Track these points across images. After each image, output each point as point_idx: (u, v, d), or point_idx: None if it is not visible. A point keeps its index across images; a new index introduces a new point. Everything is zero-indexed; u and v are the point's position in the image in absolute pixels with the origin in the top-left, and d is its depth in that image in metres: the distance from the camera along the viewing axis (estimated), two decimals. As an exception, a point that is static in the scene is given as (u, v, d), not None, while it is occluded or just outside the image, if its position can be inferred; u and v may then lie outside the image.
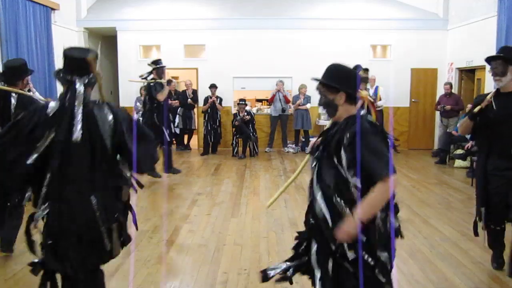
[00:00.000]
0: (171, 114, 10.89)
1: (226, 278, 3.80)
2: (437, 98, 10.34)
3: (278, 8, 11.50)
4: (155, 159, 2.60)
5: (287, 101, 10.78)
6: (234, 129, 10.53)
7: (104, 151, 2.34)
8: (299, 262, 2.44)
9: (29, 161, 2.21)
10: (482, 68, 9.35)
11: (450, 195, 6.74)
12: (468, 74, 10.43)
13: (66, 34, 10.39)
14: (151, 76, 7.60)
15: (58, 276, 2.49)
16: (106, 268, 3.93)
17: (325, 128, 2.47)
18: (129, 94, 11.05)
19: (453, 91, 10.44)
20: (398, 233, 2.38)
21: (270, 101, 11.12)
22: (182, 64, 11.45)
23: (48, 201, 2.30)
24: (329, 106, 2.35)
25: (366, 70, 6.64)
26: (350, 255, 2.15)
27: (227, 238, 4.82)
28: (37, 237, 2.37)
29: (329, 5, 11.57)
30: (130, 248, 4.40)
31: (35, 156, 2.22)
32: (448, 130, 9.74)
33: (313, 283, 2.28)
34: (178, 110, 11.11)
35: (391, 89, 10.63)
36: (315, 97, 10.82)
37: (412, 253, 4.37)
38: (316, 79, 2.37)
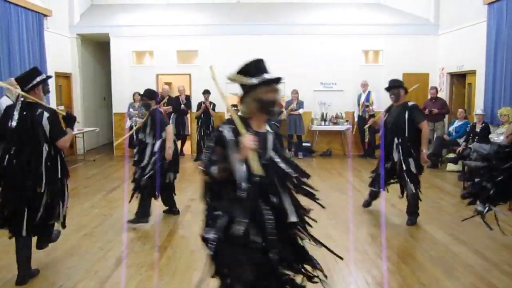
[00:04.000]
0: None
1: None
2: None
3: (271, 14, 11.57)
4: None
5: (280, 106, 10.81)
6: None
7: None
8: None
9: None
10: (473, 72, 9.45)
11: (441, 198, 6.79)
12: (459, 78, 10.53)
13: (59, 40, 10.39)
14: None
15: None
16: (100, 274, 3.95)
17: None
18: (122, 100, 11.05)
19: (444, 95, 10.55)
20: None
21: (263, 106, 11.13)
22: (175, 70, 11.47)
23: None
24: None
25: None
26: None
27: (220, 243, 4.81)
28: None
29: (321, 10, 11.67)
30: (123, 254, 4.40)
31: None
32: (436, 134, 9.83)
33: None
34: (171, 116, 11.12)
35: (383, 94, 10.69)
36: (308, 102, 10.95)
37: (404, 256, 4.40)
38: None
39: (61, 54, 10.57)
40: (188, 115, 11.31)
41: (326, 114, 11.21)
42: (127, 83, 11.04)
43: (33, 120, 3.65)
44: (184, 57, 11.61)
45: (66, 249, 4.55)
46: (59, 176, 3.83)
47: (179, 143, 11.39)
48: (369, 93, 10.69)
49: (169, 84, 13.43)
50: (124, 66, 11.25)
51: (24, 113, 3.68)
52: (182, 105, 11.02)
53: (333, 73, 11.21)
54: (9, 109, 3.77)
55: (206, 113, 10.54)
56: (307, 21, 11.32)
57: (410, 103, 5.53)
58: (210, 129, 10.65)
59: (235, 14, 11.61)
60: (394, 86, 5.64)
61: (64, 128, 3.88)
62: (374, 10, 11.77)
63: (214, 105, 10.68)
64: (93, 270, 4.05)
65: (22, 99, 3.76)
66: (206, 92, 10.53)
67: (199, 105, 10.63)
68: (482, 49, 8.72)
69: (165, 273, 4.04)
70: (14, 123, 3.65)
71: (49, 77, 4.02)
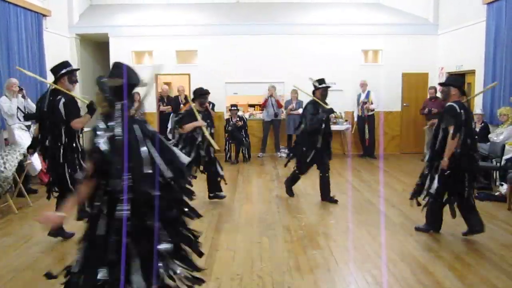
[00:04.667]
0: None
1: (219, 283, 3.80)
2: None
3: (270, 14, 11.57)
4: None
5: (279, 106, 10.82)
6: (226, 134, 10.55)
7: None
8: None
9: None
10: (472, 72, 9.45)
11: (441, 198, 6.78)
12: (458, 78, 10.52)
13: (58, 41, 10.37)
14: None
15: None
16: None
17: None
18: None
19: (439, 95, 10.57)
20: None
21: (262, 106, 11.15)
22: (174, 69, 11.46)
23: None
24: None
25: None
26: None
27: (219, 243, 4.81)
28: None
29: (321, 10, 11.66)
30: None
31: None
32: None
33: None
34: (171, 116, 11.12)
35: (382, 94, 10.72)
36: (307, 102, 10.91)
37: (404, 256, 4.40)
38: None
39: (60, 54, 10.51)
40: (188, 115, 11.29)
41: (326, 114, 11.19)
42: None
43: (53, 105, 4.50)
44: (184, 57, 11.60)
45: (65, 250, 4.54)
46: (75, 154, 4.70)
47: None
48: (368, 92, 10.70)
49: (168, 84, 13.41)
50: (123, 66, 11.21)
51: (51, 98, 4.54)
52: (182, 105, 11.02)
53: (332, 73, 11.18)
54: (43, 95, 4.71)
55: (205, 113, 10.53)
56: (306, 21, 11.31)
57: (448, 104, 4.78)
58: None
59: (234, 14, 11.61)
60: (444, 83, 5.01)
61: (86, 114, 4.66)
62: (374, 10, 11.77)
63: (213, 105, 10.69)
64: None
65: (52, 87, 4.60)
66: (206, 92, 10.51)
67: (199, 105, 10.62)
68: (481, 48, 8.72)
69: (165, 273, 4.04)
70: (45, 107, 4.57)
71: (75, 69, 4.79)
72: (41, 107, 4.63)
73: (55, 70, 4.62)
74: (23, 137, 6.97)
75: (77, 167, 4.66)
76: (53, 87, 4.59)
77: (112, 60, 11.24)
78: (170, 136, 11.21)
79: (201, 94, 6.56)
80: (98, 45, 12.43)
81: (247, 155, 10.42)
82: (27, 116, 7.08)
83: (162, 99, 11.42)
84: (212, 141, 6.20)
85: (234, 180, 8.29)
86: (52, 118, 4.53)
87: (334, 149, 11.35)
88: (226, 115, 11.08)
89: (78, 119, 4.57)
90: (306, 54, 11.16)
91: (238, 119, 10.38)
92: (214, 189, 6.61)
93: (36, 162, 6.97)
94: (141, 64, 11.72)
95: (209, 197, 6.61)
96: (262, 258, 4.36)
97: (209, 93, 7.01)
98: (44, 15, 9.37)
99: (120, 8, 11.80)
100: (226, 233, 5.18)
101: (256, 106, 12.77)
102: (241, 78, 11.24)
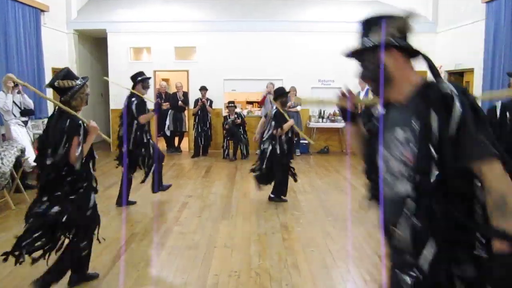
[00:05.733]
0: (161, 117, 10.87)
1: (217, 280, 3.80)
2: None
3: (269, 11, 11.54)
4: None
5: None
6: (225, 131, 10.53)
7: None
8: None
9: None
10: (471, 70, 9.45)
11: (439, 196, 6.78)
12: (457, 76, 10.53)
13: (56, 36, 10.33)
14: None
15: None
16: (97, 271, 3.93)
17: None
18: (120, 96, 10.98)
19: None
20: None
21: (260, 103, 11.13)
22: (173, 66, 11.43)
23: None
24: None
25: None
26: None
27: (217, 240, 4.81)
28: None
29: (319, 7, 11.64)
30: (120, 251, 4.39)
31: None
32: None
33: None
34: (169, 113, 11.10)
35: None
36: (306, 99, 10.93)
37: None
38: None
39: (58, 50, 10.51)
40: (186, 112, 11.29)
41: (324, 111, 11.20)
42: (124, 80, 10.97)
43: (128, 104, 5.67)
44: (182, 53, 11.57)
45: (63, 246, 4.53)
46: (145, 141, 5.76)
47: (176, 139, 11.43)
48: (367, 90, 10.67)
49: (166, 80, 13.40)
50: (122, 62, 11.19)
51: (128, 100, 5.72)
52: (180, 102, 11.00)
53: (331, 71, 11.19)
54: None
55: (203, 110, 10.53)
56: (305, 18, 11.29)
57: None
58: (208, 126, 10.65)
59: (233, 11, 11.58)
60: None
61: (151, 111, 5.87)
62: (373, 7, 11.75)
63: (211, 102, 10.67)
64: (90, 267, 4.02)
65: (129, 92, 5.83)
66: (203, 89, 10.52)
67: (196, 101, 10.61)
68: (480, 47, 8.71)
69: (162, 269, 4.03)
70: (123, 107, 5.70)
71: (148, 78, 5.97)
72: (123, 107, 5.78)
73: (133, 78, 5.90)
74: (20, 133, 6.94)
75: (143, 151, 5.76)
76: (129, 90, 5.80)
77: (110, 56, 11.26)
78: (168, 133, 11.23)
79: (282, 94, 6.37)
80: (96, 41, 12.39)
81: (245, 152, 10.42)
82: (24, 112, 7.05)
83: (160, 95, 11.40)
84: (306, 137, 7.11)
85: (232, 177, 8.29)
86: (127, 114, 5.60)
87: (333, 147, 11.43)
88: (224, 112, 11.07)
89: (142, 115, 5.66)
90: (305, 51, 11.14)
91: (236, 116, 10.36)
92: (280, 191, 6.45)
93: (32, 157, 6.94)
94: (139, 61, 11.70)
95: (269, 198, 6.47)
96: (260, 255, 4.36)
97: (288, 93, 6.82)
98: (42, 11, 9.34)
99: (118, 4, 11.75)
100: (224, 230, 5.17)
101: (254, 103, 12.75)
102: (240, 75, 11.23)
